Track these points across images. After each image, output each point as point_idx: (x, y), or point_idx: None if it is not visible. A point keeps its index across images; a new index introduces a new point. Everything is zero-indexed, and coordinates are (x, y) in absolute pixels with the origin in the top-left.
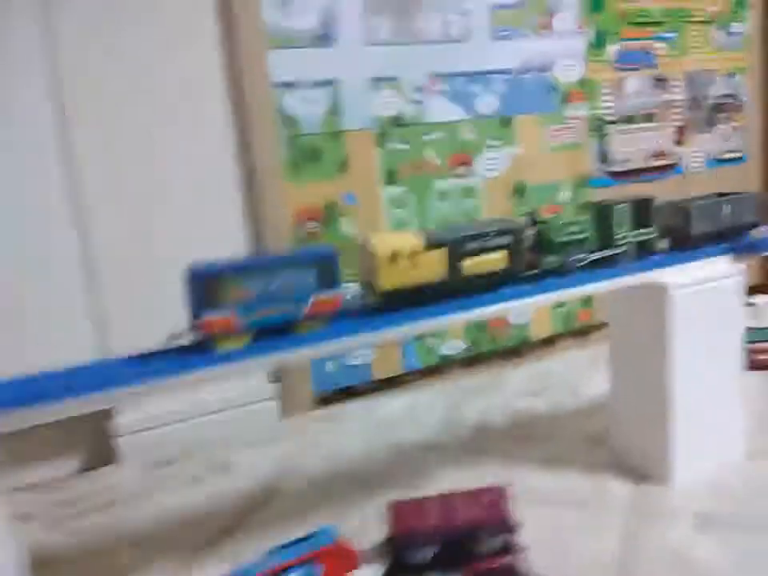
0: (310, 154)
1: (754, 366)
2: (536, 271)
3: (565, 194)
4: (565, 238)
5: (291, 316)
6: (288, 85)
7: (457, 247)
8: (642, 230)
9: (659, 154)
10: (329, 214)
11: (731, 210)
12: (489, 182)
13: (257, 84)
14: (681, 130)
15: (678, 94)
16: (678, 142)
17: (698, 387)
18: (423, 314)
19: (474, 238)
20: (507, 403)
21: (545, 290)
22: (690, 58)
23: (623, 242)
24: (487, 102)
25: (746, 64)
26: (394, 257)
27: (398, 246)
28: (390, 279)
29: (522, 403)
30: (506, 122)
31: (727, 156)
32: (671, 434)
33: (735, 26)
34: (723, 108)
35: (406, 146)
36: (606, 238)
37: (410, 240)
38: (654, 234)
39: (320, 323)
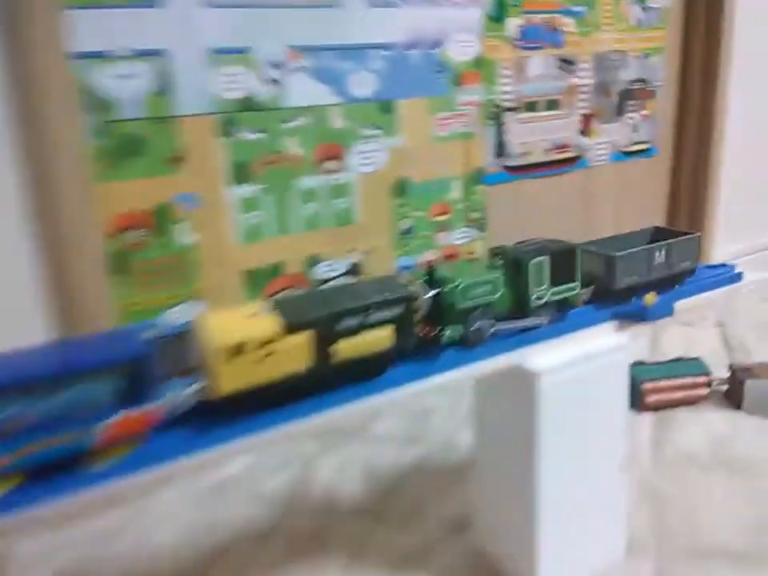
0: (130, 145)
1: (645, 407)
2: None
3: (454, 193)
4: (470, 303)
5: (78, 446)
6: (96, 56)
7: (327, 328)
8: (563, 287)
9: (562, 146)
10: (160, 220)
11: (666, 256)
12: (365, 179)
13: (46, 54)
14: (587, 119)
15: (585, 77)
16: (583, 133)
17: (570, 487)
18: (279, 418)
19: (350, 313)
20: (371, 457)
21: (441, 369)
22: (601, 37)
23: (541, 302)
24: (362, 83)
25: (663, 43)
26: (237, 349)
27: (244, 333)
28: (233, 379)
29: (388, 456)
30: (385, 107)
31: (634, 148)
32: (538, 539)
33: (653, 0)
34: (634, 94)
35: (260, 136)
36: (520, 299)
37: (261, 323)
38: (577, 290)
39: (124, 449)
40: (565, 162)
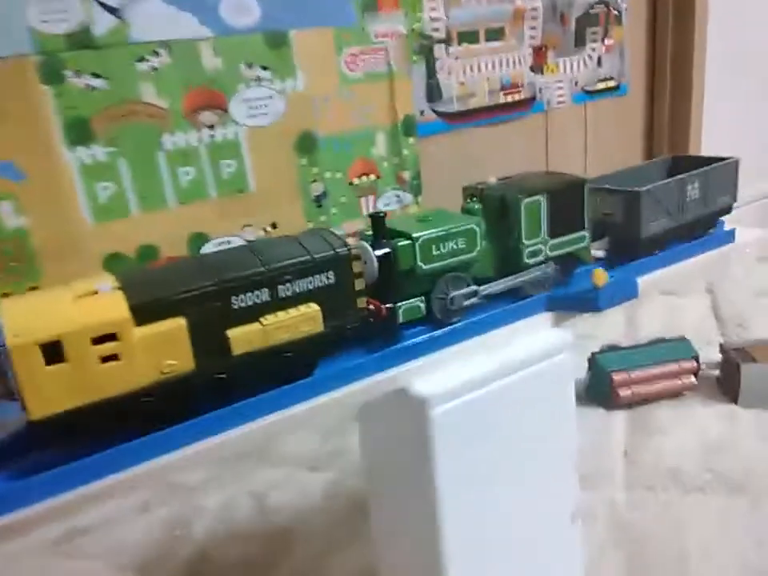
0: None
1: (618, 403)
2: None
3: (378, 148)
4: (437, 264)
5: None
6: None
7: (217, 306)
8: (567, 237)
9: (512, 86)
10: None
11: (701, 189)
12: (257, 134)
13: None
14: (539, 52)
15: (534, 0)
16: (536, 69)
17: (493, 543)
18: (141, 451)
19: (251, 284)
20: (267, 489)
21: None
22: None
23: (537, 258)
24: (241, 9)
25: None
26: (55, 348)
27: (66, 324)
28: (49, 399)
29: (289, 486)
30: (275, 40)
31: (600, 87)
32: None
33: None
34: (595, 20)
35: (103, 82)
36: (507, 257)
37: (98, 306)
38: (586, 242)
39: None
40: (516, 106)
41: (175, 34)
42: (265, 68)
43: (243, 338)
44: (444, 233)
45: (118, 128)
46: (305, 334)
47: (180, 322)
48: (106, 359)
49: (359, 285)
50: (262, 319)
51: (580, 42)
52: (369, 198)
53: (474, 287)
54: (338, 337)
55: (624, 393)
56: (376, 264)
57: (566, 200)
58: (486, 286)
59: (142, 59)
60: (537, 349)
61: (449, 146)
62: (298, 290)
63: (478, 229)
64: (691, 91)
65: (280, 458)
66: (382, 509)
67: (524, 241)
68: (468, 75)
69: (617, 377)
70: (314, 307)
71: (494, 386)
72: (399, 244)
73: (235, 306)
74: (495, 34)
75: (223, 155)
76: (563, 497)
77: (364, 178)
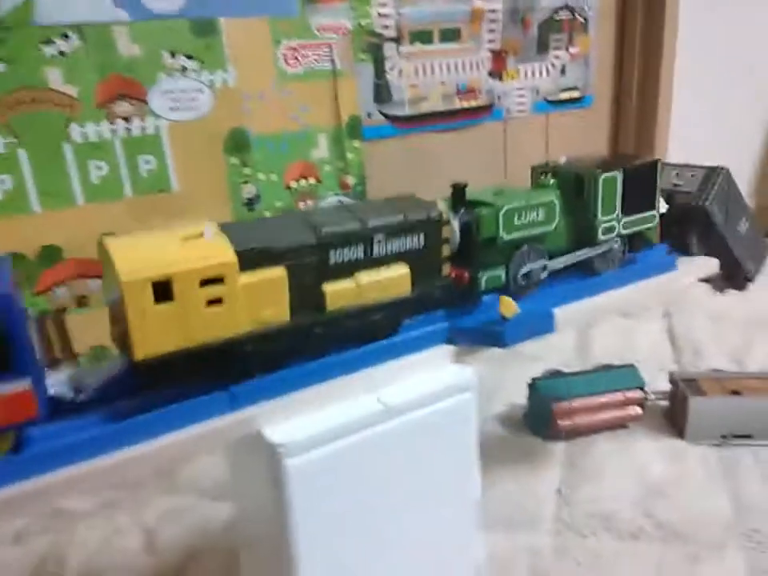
0: None
1: (558, 433)
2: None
3: (320, 150)
4: (517, 234)
5: None
6: None
7: (315, 260)
8: (639, 216)
9: (468, 91)
10: None
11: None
12: (181, 129)
13: None
14: (498, 57)
15: (493, 1)
16: (495, 74)
17: None
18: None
19: (348, 241)
20: (161, 524)
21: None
22: None
23: (611, 235)
24: None
25: None
26: (165, 288)
27: (176, 264)
28: (157, 339)
29: (186, 519)
30: (204, 28)
31: (564, 97)
32: None
33: None
34: (559, 26)
35: (3, 66)
36: (581, 232)
37: (206, 250)
38: (656, 221)
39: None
40: (473, 112)
41: (87, 16)
42: (190, 57)
43: (338, 293)
44: (526, 204)
45: (19, 116)
46: (394, 295)
47: (281, 272)
48: (211, 303)
49: (446, 251)
50: (356, 276)
51: (542, 48)
52: (308, 203)
53: (546, 260)
54: (424, 300)
55: (564, 423)
56: (458, 232)
57: (641, 178)
58: (557, 259)
59: (48, 42)
60: (429, 389)
61: (398, 151)
62: (390, 251)
63: (557, 201)
64: (657, 108)
65: (181, 484)
66: (249, 557)
67: (600, 216)
68: (421, 77)
69: (557, 406)
70: (404, 268)
71: (369, 432)
72: (483, 213)
73: (332, 262)
74: (451, 35)
75: (141, 150)
76: (463, 550)
77: (303, 182)
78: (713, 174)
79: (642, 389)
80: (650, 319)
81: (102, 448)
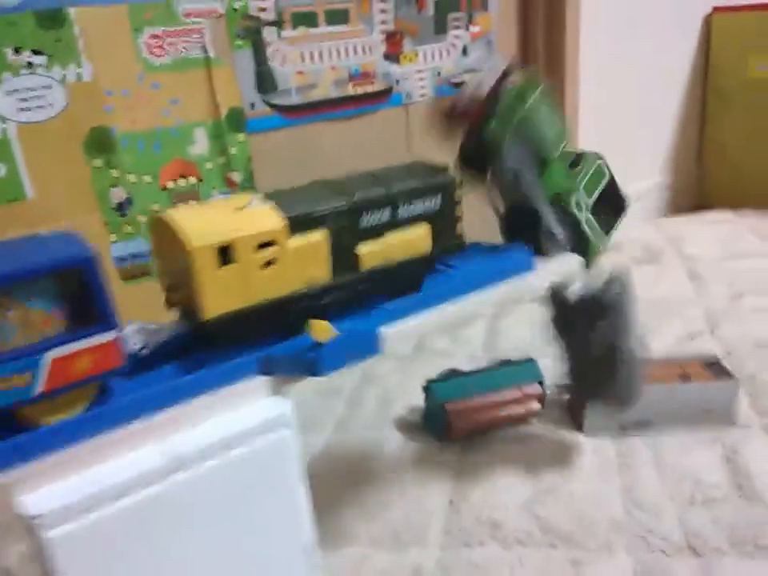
0: None
1: (454, 435)
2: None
3: (198, 146)
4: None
5: (20, 393)
6: None
7: (349, 224)
8: None
9: (362, 77)
10: None
11: None
12: (31, 131)
13: None
14: (393, 39)
15: None
16: (391, 57)
17: None
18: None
19: (375, 204)
20: None
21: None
22: None
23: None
24: None
25: None
26: (227, 253)
27: (235, 230)
28: (220, 299)
29: None
30: (52, 19)
31: (467, 78)
32: None
33: None
34: (457, 4)
35: None
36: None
37: (256, 218)
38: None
39: (79, 399)
40: (369, 99)
41: None
42: (38, 53)
43: (370, 253)
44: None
45: None
46: (416, 253)
47: (323, 236)
48: (266, 265)
49: (459, 211)
50: (384, 237)
51: (441, 28)
52: (190, 203)
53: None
54: (443, 257)
55: (459, 425)
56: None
57: None
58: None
59: None
60: (232, 430)
61: (288, 144)
62: (412, 212)
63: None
64: (564, 87)
65: None
66: None
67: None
68: (308, 63)
69: (451, 407)
70: (424, 228)
71: (151, 489)
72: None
73: (363, 225)
74: (338, 17)
75: None
76: None
77: (181, 181)
78: None
79: (541, 383)
80: None
81: (178, 397)
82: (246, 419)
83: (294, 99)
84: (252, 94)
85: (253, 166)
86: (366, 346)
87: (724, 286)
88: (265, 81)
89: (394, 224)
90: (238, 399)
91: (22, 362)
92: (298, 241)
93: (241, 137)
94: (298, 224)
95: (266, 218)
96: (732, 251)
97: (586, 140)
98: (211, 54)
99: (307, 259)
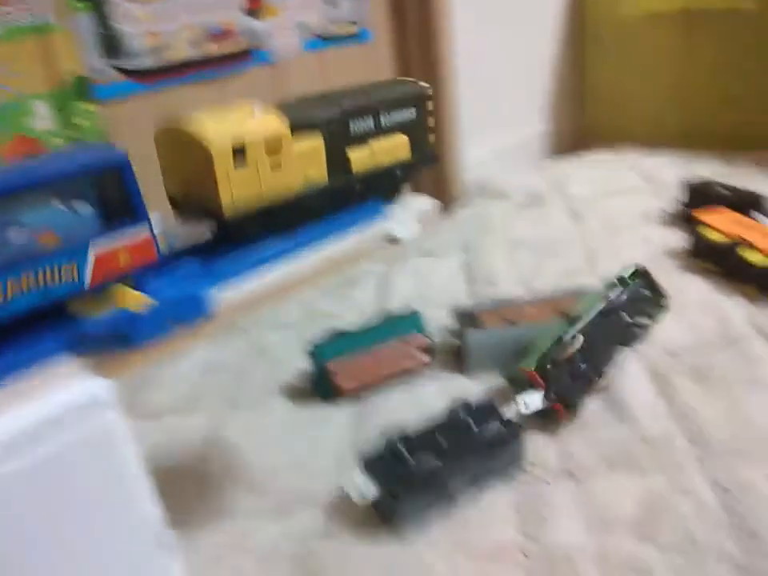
0: None
1: (343, 395)
2: None
3: (41, 120)
4: None
5: (69, 287)
6: None
7: (340, 130)
8: None
9: (223, 34)
10: None
11: None
12: None
13: None
14: None
15: None
16: (252, 12)
17: None
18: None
19: (362, 112)
20: None
21: None
22: None
23: None
24: None
25: None
26: (241, 154)
27: (248, 133)
28: (238, 196)
29: None
30: None
31: (339, 32)
32: None
33: None
34: None
35: None
36: None
37: (265, 122)
38: None
39: (126, 294)
40: (232, 58)
41: None
42: None
43: (359, 158)
44: None
45: None
46: (399, 160)
47: (320, 140)
48: (274, 166)
49: (431, 122)
50: (369, 144)
51: None
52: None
53: None
54: (419, 166)
55: (347, 385)
56: None
57: None
58: None
59: None
60: (34, 420)
61: (147, 111)
62: (392, 121)
63: None
64: (441, 39)
65: None
66: None
67: None
68: (159, 22)
69: (335, 367)
70: (404, 137)
71: None
72: None
73: (352, 132)
74: None
75: None
76: None
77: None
78: None
79: (425, 333)
80: (449, 256)
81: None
82: (54, 407)
83: (147, 62)
84: (98, 59)
85: (111, 138)
86: (191, 310)
87: (603, 224)
88: (112, 44)
89: (378, 132)
90: (47, 385)
91: (70, 256)
92: (300, 144)
93: (89, 107)
94: (299, 128)
95: (272, 124)
96: (611, 189)
97: (466, 91)
98: (46, 20)
99: (308, 161)
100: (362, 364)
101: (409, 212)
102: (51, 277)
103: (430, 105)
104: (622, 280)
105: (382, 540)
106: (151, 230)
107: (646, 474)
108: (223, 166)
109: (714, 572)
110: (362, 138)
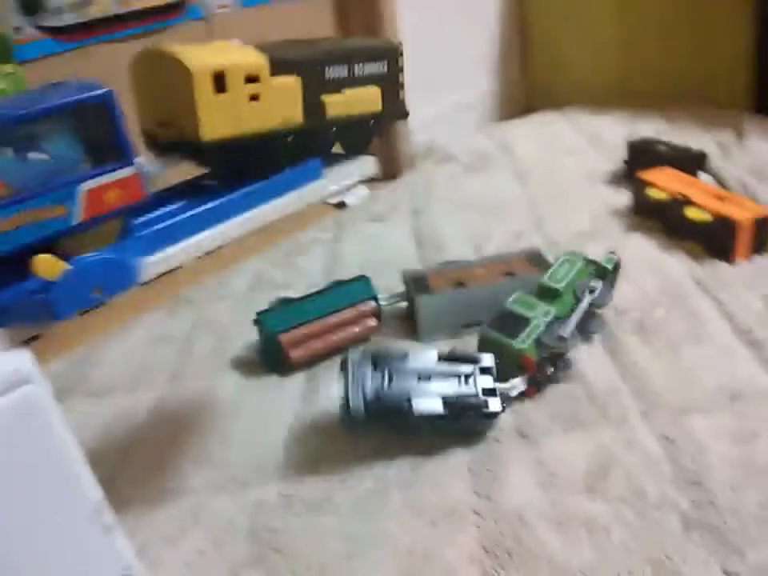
0: None
1: (293, 365)
2: None
3: None
4: None
5: (61, 223)
6: None
7: (316, 73)
8: None
9: None
10: None
11: None
12: None
13: None
14: None
15: None
16: None
17: None
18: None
19: (337, 59)
20: None
21: None
22: None
23: None
24: None
25: None
26: (220, 80)
27: (227, 60)
28: (217, 123)
29: None
30: None
31: None
32: None
33: None
34: None
35: None
36: None
37: (244, 53)
38: None
39: (111, 232)
40: (159, 14)
41: None
42: None
43: (333, 103)
44: None
45: None
46: (371, 111)
47: (298, 80)
48: (252, 98)
49: (402, 78)
50: (343, 91)
51: None
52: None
53: None
54: (390, 119)
55: (297, 354)
56: None
57: None
58: None
59: None
60: None
61: (71, 70)
62: (365, 72)
63: None
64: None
65: None
66: None
67: None
68: None
69: (285, 337)
70: (376, 89)
71: None
72: None
73: (327, 77)
74: None
75: None
76: (101, 563)
77: None
78: None
79: (374, 299)
80: (398, 220)
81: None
82: None
83: (67, 19)
84: (14, 16)
85: None
86: (118, 278)
87: (549, 185)
88: (31, 1)
89: (352, 82)
90: None
91: (59, 193)
92: (278, 80)
93: (9, 67)
94: (277, 66)
95: (251, 55)
96: (556, 150)
97: (409, 51)
98: None
99: (285, 99)
100: (311, 333)
101: (357, 175)
102: (41, 213)
103: (401, 60)
104: (603, 271)
105: (341, 510)
106: (138, 168)
107: (594, 429)
108: (203, 88)
109: (662, 522)
110: (336, 85)
